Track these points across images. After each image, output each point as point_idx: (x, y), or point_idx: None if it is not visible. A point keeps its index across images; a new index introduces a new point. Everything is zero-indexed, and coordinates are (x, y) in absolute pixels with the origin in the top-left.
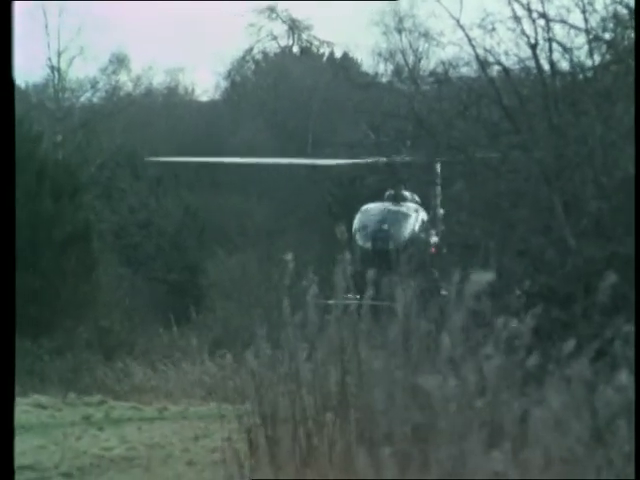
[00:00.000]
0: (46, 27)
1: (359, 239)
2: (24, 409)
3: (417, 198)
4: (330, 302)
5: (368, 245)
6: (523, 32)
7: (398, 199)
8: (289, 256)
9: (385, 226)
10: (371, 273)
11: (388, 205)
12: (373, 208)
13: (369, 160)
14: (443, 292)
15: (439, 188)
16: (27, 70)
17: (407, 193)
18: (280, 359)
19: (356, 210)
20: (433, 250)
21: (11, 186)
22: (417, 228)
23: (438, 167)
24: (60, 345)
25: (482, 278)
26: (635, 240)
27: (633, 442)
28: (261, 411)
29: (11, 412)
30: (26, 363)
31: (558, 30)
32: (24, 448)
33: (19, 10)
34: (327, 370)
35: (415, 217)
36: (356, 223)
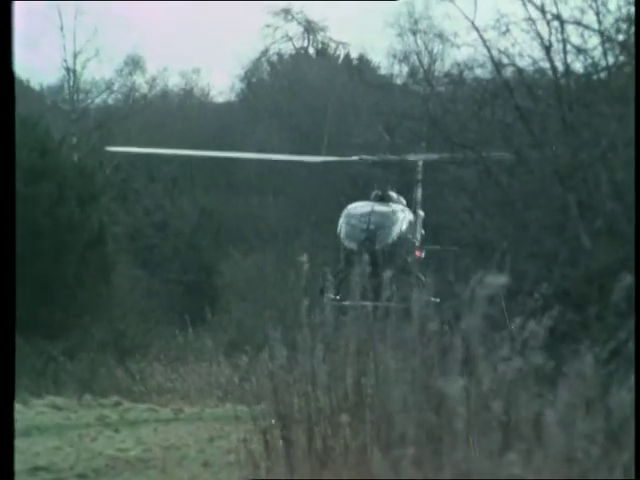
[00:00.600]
0: (61, 28)
1: (344, 239)
2: (40, 410)
3: (402, 199)
4: (345, 303)
5: (353, 246)
6: (537, 33)
7: (385, 199)
8: (304, 257)
9: (371, 226)
10: (388, 274)
11: (374, 205)
12: (359, 208)
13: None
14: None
15: (420, 189)
16: (42, 71)
17: (393, 193)
18: (296, 360)
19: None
20: (417, 253)
21: (11, 189)
22: (404, 229)
23: (420, 166)
24: (76, 347)
25: (496, 280)
26: (635, 241)
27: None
28: (277, 412)
29: (11, 414)
30: (41, 365)
31: (572, 31)
32: (39, 449)
33: (34, 11)
34: (343, 371)
35: (402, 218)
36: (341, 223)
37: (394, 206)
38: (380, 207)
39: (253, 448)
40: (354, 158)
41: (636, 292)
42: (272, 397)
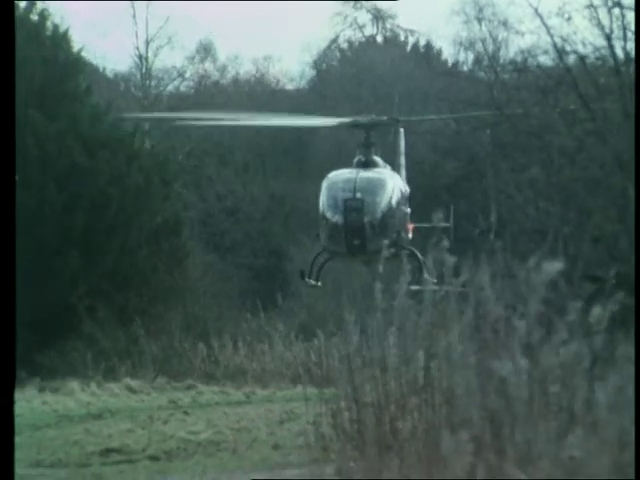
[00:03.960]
0: (134, 16)
1: (327, 212)
2: (114, 393)
3: (388, 167)
4: (414, 288)
5: (338, 219)
6: (599, 21)
7: (369, 165)
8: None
9: (358, 194)
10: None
11: (360, 171)
12: (342, 175)
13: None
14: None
15: (403, 158)
16: (115, 59)
17: (379, 159)
18: (367, 344)
19: (438, 197)
20: (412, 227)
21: (11, 191)
22: (395, 198)
23: (402, 133)
24: (152, 331)
25: (552, 266)
26: (635, 241)
27: None
28: (347, 395)
29: (11, 410)
30: (119, 348)
31: (632, 18)
32: (112, 431)
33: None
34: (412, 355)
35: (392, 184)
36: (323, 193)
37: (381, 171)
38: (366, 173)
39: (323, 430)
40: (348, 120)
41: (636, 292)
42: (343, 380)
